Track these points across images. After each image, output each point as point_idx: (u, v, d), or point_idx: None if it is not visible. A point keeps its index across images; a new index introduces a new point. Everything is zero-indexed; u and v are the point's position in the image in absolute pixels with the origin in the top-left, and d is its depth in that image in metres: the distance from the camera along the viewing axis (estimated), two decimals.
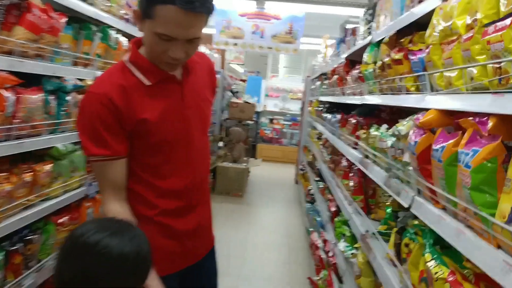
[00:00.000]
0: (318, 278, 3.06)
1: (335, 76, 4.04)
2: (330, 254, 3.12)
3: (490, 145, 1.03)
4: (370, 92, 2.59)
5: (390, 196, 2.48)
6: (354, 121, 2.97)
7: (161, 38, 1.30)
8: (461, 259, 1.33)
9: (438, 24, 1.40)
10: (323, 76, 5.58)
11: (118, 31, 2.93)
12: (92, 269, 1.01)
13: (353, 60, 3.61)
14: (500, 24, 0.99)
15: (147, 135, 1.44)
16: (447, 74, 1.32)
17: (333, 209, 3.39)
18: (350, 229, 2.85)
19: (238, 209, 5.91)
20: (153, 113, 1.43)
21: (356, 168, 2.83)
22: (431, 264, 1.34)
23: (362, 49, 2.90)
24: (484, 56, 1.08)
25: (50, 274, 2.28)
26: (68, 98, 2.37)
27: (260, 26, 6.83)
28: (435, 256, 1.35)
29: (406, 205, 1.58)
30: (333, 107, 4.80)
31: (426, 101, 1.52)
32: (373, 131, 2.25)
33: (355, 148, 2.84)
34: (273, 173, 8.97)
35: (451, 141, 1.22)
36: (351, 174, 2.84)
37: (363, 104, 2.82)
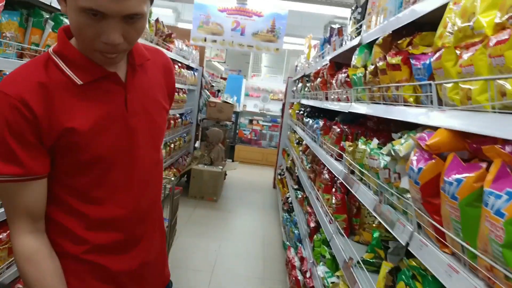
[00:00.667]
0: None
1: (318, 79, 3.76)
2: (307, 275, 2.84)
3: None
4: (358, 99, 2.32)
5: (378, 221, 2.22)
6: (338, 129, 2.69)
7: (88, 15, 0.96)
8: None
9: (452, 23, 1.12)
10: (305, 78, 5.30)
11: None
12: None
13: (338, 63, 3.34)
14: None
15: (75, 151, 1.09)
16: (465, 85, 1.04)
17: (312, 224, 3.11)
18: (330, 250, 2.57)
19: (211, 216, 5.58)
20: (85, 121, 1.08)
21: (339, 182, 2.55)
22: None
23: (349, 51, 2.62)
24: None
25: None
26: None
27: (240, 22, 6.51)
28: None
29: (403, 243, 1.30)
30: (315, 112, 4.53)
31: (432, 117, 1.24)
32: (361, 145, 1.97)
33: (338, 160, 2.57)
34: (251, 176, 8.66)
35: (471, 174, 0.93)
36: (333, 190, 2.56)
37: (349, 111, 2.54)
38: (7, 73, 2.05)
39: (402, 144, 1.38)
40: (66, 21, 2.44)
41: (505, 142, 0.88)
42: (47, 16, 2.31)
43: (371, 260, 1.87)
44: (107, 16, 0.96)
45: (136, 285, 1.25)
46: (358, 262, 1.90)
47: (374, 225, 2.21)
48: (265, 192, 7.36)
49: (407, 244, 1.28)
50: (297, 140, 5.25)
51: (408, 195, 1.31)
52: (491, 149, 0.91)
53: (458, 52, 1.09)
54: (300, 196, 4.13)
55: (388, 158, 1.50)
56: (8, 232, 2.15)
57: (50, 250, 1.12)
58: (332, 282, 2.17)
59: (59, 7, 2.33)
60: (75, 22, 0.99)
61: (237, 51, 7.55)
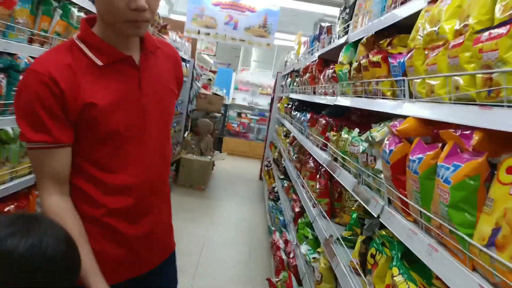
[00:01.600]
0: (278, 279, 2.98)
1: (307, 74, 3.96)
2: (291, 255, 3.05)
3: (474, 161, 0.96)
4: (343, 93, 2.52)
5: (356, 201, 2.43)
6: (324, 121, 2.90)
7: None
8: (430, 275, 1.28)
9: (423, 28, 1.33)
10: (294, 73, 5.51)
11: (81, 8, 2.73)
12: None
13: (326, 59, 3.54)
14: (495, 32, 0.92)
15: (94, 124, 1.25)
16: (429, 81, 1.25)
17: (297, 209, 3.32)
18: (313, 232, 2.79)
19: (200, 204, 5.77)
20: (103, 97, 1.25)
21: (323, 170, 2.76)
22: (399, 279, 1.27)
23: (337, 48, 2.82)
24: (474, 65, 1.01)
25: None
26: (20, 77, 2.17)
27: (234, 17, 6.68)
28: (402, 270, 1.29)
29: (375, 215, 1.51)
30: (303, 106, 4.74)
31: (404, 108, 1.45)
32: (344, 134, 2.18)
33: (323, 150, 2.77)
34: (238, 168, 8.86)
35: (429, 152, 1.14)
36: (318, 176, 2.77)
37: (334, 105, 2.75)
38: (20, 56, 2.21)
39: (378, 131, 1.59)
40: (74, 10, 2.60)
41: (457, 126, 1.09)
42: (56, 5, 2.47)
43: (349, 237, 2.08)
44: None
45: (145, 249, 1.43)
46: (337, 239, 2.11)
47: (353, 208, 2.42)
48: (251, 183, 7.56)
49: (379, 216, 1.49)
50: (285, 133, 5.46)
51: (382, 175, 1.52)
52: (446, 133, 1.12)
53: (426, 52, 1.30)
54: (286, 185, 4.35)
55: (366, 144, 1.71)
56: (16, 204, 2.32)
57: (73, 209, 1.28)
58: (313, 258, 2.38)
59: None
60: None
61: (228, 44, 7.72)
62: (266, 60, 13.86)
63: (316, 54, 3.77)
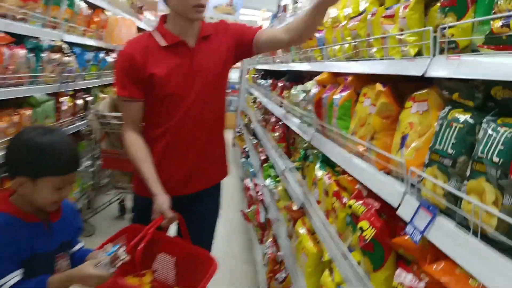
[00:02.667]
0: (249, 210, 3.75)
1: None
2: (259, 193, 3.82)
3: (348, 92, 1.71)
4: (293, 61, 3.26)
5: (306, 143, 3.20)
6: (281, 84, 3.63)
7: None
8: (335, 166, 2.05)
9: (330, 14, 2.06)
10: None
11: None
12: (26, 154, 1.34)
13: None
14: (355, 19, 1.66)
15: (156, 88, 1.77)
16: (334, 47, 1.99)
17: (262, 157, 4.09)
18: (275, 171, 3.56)
19: None
20: (162, 69, 1.77)
21: (282, 123, 3.51)
22: (318, 172, 2.04)
23: None
24: (349, 37, 1.75)
25: None
26: (43, 55, 2.81)
27: None
28: (320, 166, 2.06)
29: (307, 139, 2.27)
30: (267, 75, 5.46)
31: (324, 66, 2.19)
32: (292, 91, 2.92)
33: (281, 107, 3.52)
34: None
35: (330, 92, 1.90)
36: (276, 127, 3.52)
37: (290, 71, 3.48)
38: (40, 38, 2.84)
39: (310, 83, 2.34)
40: (80, 2, 3.22)
41: (348, 74, 1.83)
42: None
43: (297, 167, 2.85)
44: None
45: (200, 161, 1.93)
46: (290, 169, 2.88)
47: (303, 147, 3.19)
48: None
49: (310, 140, 2.24)
50: (253, 100, 6.18)
51: (312, 113, 2.27)
52: (340, 80, 1.86)
53: (332, 30, 2.04)
54: (255, 142, 5.10)
55: (304, 94, 2.46)
56: None
57: (142, 141, 1.85)
58: (274, 186, 3.16)
59: None
60: None
61: None
62: None
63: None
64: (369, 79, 1.62)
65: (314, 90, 2.15)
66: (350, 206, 1.52)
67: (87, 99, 3.97)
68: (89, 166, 4.03)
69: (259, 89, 5.14)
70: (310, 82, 2.38)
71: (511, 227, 0.77)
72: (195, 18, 1.81)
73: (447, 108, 1.06)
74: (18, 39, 2.55)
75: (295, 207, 2.38)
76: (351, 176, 1.70)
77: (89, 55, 3.81)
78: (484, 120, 0.91)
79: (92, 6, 3.81)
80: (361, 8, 1.71)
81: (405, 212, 1.14)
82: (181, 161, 1.90)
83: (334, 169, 2.02)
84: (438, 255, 1.00)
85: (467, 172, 0.91)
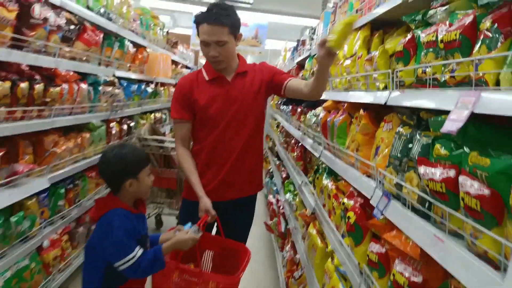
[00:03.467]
0: (271, 222, 4.20)
1: None
2: (281, 208, 4.27)
3: (344, 115, 2.18)
4: None
5: (320, 160, 3.66)
6: (299, 110, 4.12)
7: (203, 44, 2.17)
8: (337, 176, 2.50)
9: None
10: None
11: (131, 42, 3.96)
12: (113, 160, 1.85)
13: (303, 64, 4.77)
14: (349, 59, 2.15)
15: (199, 112, 2.23)
16: (335, 80, 2.48)
17: (284, 175, 4.55)
18: (294, 186, 4.01)
19: None
20: (204, 97, 2.22)
21: (300, 144, 3.98)
22: (324, 181, 2.50)
23: (306, 58, 4.05)
24: (345, 73, 2.24)
25: (86, 209, 3.32)
26: (100, 88, 3.40)
27: None
28: (326, 176, 2.52)
29: (317, 155, 2.73)
30: (289, 101, 5.96)
31: (329, 95, 2.67)
32: (308, 116, 3.41)
33: (298, 129, 4.00)
34: None
35: (333, 116, 2.37)
36: (296, 148, 4.00)
37: None
38: (98, 74, 3.43)
39: (319, 109, 2.81)
40: (128, 43, 3.83)
41: (346, 103, 2.30)
42: (114, 40, 3.70)
43: (310, 181, 3.30)
44: (208, 44, 2.21)
45: (233, 173, 2.29)
46: (305, 183, 3.33)
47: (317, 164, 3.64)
48: None
49: (319, 156, 2.71)
50: (277, 124, 6.69)
51: (320, 134, 2.74)
52: (340, 106, 2.34)
53: (335, 66, 2.53)
54: (277, 163, 5.57)
55: (314, 118, 2.94)
56: (96, 172, 3.53)
57: (190, 155, 2.33)
58: (292, 198, 3.61)
59: (122, 34, 3.73)
60: (201, 49, 2.26)
61: None
62: None
63: (295, 61, 5.00)
64: (360, 106, 2.09)
65: (321, 114, 2.63)
66: (343, 203, 1.98)
67: (131, 124, 4.56)
68: None
69: (282, 114, 5.64)
70: (319, 108, 2.86)
71: (424, 199, 1.23)
72: (215, 67, 2.26)
73: (400, 126, 1.52)
74: (82, 76, 3.14)
75: (308, 213, 2.83)
76: (347, 181, 2.15)
77: (134, 87, 4.42)
78: (417, 133, 1.37)
79: (136, 45, 4.46)
80: (354, 50, 2.20)
81: (375, 201, 1.59)
82: (216, 172, 2.29)
83: (337, 177, 2.47)
84: (392, 227, 1.45)
85: (405, 168, 1.37)
